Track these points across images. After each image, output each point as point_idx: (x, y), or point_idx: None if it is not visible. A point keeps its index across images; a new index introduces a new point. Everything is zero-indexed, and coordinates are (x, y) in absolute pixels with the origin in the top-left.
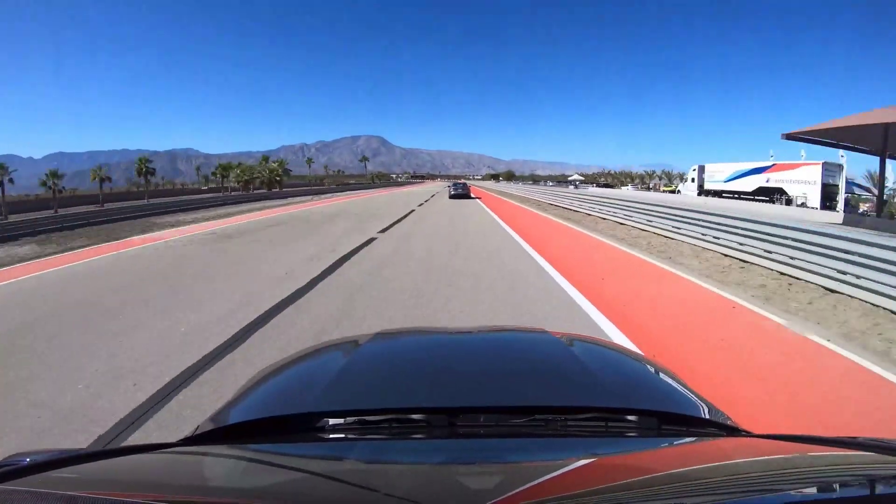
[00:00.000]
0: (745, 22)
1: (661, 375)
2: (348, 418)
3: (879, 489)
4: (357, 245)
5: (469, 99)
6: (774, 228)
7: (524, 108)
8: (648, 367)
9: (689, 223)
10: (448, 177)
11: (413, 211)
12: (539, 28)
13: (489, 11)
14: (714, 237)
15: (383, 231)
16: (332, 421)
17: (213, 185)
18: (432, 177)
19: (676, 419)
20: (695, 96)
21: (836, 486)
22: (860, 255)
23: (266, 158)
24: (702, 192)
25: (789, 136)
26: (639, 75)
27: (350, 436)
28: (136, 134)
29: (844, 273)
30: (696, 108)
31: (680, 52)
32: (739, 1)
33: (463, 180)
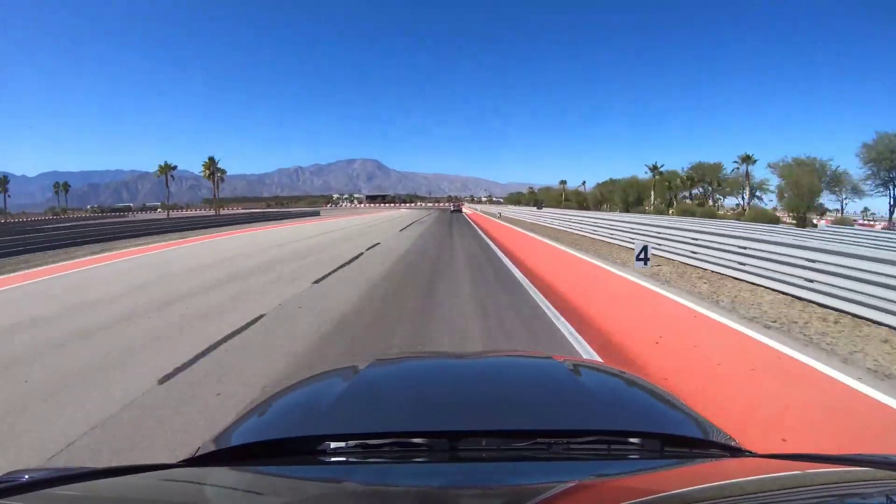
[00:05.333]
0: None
1: (664, 398)
2: (350, 442)
3: None
4: None
5: (466, 123)
6: None
7: (520, 131)
8: (650, 389)
9: None
10: (438, 200)
11: None
12: (536, 51)
13: (486, 35)
14: None
15: None
16: (333, 444)
17: None
18: (417, 199)
19: (679, 441)
20: (690, 113)
21: None
22: None
23: None
24: None
25: None
26: (633, 95)
27: (351, 459)
28: (128, 154)
29: None
30: (693, 125)
31: (673, 73)
32: (724, 19)
33: (458, 203)
